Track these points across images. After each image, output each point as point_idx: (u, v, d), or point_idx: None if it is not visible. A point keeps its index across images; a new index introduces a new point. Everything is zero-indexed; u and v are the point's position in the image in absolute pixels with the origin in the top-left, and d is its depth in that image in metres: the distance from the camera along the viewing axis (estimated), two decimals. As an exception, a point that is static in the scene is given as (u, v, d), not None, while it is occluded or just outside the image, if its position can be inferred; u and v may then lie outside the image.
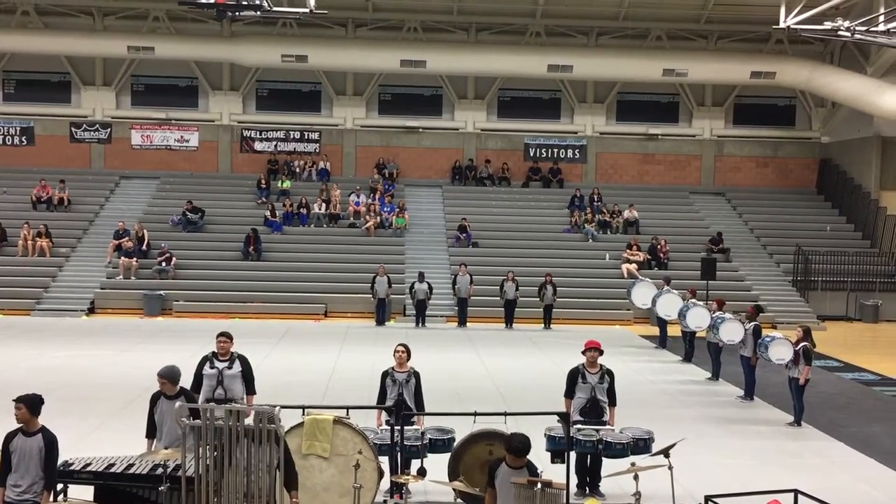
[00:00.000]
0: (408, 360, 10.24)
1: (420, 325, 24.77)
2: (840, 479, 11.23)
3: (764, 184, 33.94)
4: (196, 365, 10.15)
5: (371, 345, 20.86)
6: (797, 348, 14.01)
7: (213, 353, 10.16)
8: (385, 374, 10.19)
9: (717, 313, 18.00)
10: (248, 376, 10.17)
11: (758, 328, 16.05)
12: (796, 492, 7.98)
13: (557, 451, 9.50)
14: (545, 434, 9.83)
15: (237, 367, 10.09)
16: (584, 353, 10.35)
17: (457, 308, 25.55)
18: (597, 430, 9.87)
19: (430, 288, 25.07)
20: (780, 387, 15.30)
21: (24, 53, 31.71)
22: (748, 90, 33.41)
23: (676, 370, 19.16)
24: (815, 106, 33.95)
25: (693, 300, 20.11)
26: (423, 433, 9.61)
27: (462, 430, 9.50)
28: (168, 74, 32.80)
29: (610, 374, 10.33)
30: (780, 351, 14.49)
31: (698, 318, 18.99)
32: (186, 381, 9.35)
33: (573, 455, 9.57)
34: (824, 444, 13.09)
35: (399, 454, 9.23)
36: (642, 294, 21.84)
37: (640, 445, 9.77)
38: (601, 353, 10.35)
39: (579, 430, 9.83)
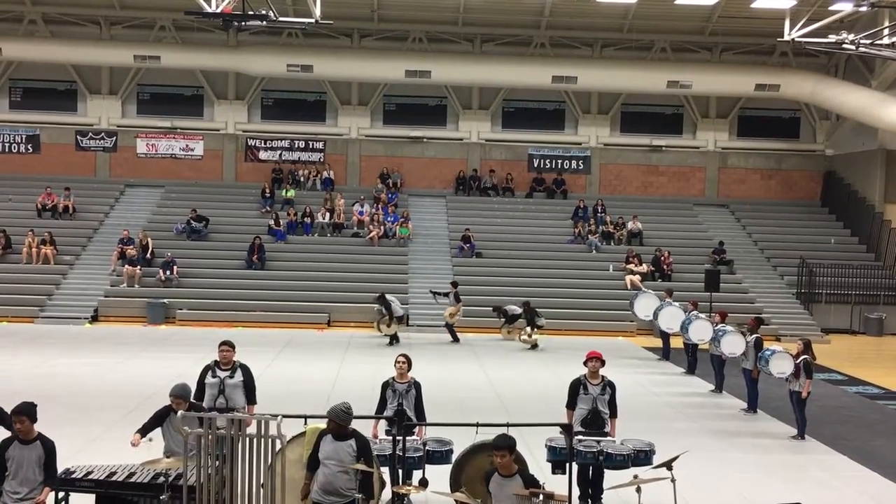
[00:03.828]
0: (409, 370, 10.25)
1: (393, 343, 22.72)
2: (843, 493, 11.19)
3: (768, 196, 33.91)
4: (198, 374, 10.18)
5: (374, 355, 20.85)
6: (798, 362, 13.97)
7: (216, 362, 10.19)
8: (386, 385, 10.20)
9: (719, 326, 17.95)
10: (249, 386, 10.18)
11: (759, 340, 15.97)
12: (799, 505, 7.97)
13: (559, 461, 9.49)
14: (546, 445, 9.82)
15: (239, 376, 10.12)
16: (585, 363, 10.35)
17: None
18: (598, 442, 9.86)
19: (388, 306, 23.08)
20: (784, 400, 15.23)
21: (30, 62, 31.84)
22: (752, 102, 33.40)
23: (679, 382, 19.10)
24: (820, 118, 33.94)
25: (695, 312, 20.07)
26: (424, 443, 9.61)
27: (464, 441, 9.48)
28: (174, 83, 32.91)
29: (611, 385, 10.32)
30: (781, 364, 14.45)
31: (700, 331, 18.98)
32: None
33: (574, 466, 9.55)
34: (828, 457, 13.04)
35: (400, 465, 9.21)
36: (645, 306, 21.86)
37: (641, 457, 9.74)
38: (603, 363, 10.35)
39: (580, 441, 9.82)
